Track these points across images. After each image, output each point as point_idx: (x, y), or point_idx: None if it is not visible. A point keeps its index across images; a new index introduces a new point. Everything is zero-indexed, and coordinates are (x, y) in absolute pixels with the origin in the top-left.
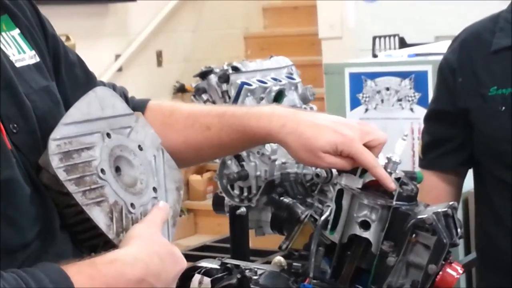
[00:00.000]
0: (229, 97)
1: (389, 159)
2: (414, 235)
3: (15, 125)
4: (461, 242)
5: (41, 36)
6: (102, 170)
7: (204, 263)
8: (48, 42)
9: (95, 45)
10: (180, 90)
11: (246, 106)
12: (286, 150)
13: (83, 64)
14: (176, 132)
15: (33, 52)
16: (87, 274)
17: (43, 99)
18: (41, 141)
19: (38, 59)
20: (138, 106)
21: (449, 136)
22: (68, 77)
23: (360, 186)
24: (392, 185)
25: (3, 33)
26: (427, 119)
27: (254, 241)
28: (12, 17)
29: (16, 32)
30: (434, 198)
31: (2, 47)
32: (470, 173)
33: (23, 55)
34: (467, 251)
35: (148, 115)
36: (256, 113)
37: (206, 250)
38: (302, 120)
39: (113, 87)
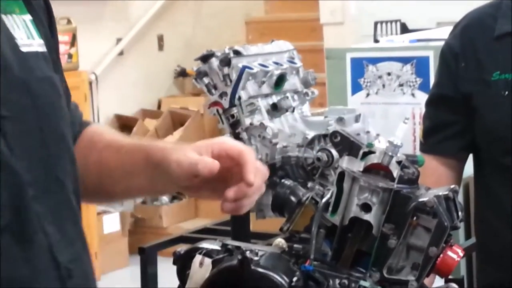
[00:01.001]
0: (230, 81)
1: (390, 142)
2: (415, 218)
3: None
4: (461, 226)
5: (50, 34)
6: None
7: (205, 244)
8: (55, 43)
9: (96, 29)
10: (181, 74)
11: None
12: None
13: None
14: (94, 150)
15: (42, 41)
16: None
17: (46, 89)
18: (37, 132)
19: (45, 50)
20: (82, 127)
21: (450, 121)
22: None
23: (361, 169)
24: (250, 176)
25: (14, 15)
26: (428, 104)
27: (255, 224)
28: (27, 3)
29: (28, 17)
30: (435, 182)
31: (10, 28)
32: (471, 158)
33: (31, 41)
34: (468, 236)
35: (84, 133)
36: (162, 143)
37: (206, 232)
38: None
39: (76, 107)
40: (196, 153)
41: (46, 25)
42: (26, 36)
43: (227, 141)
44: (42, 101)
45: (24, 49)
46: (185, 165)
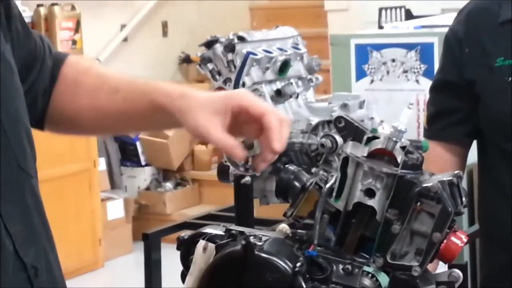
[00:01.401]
0: (235, 67)
1: (394, 127)
2: (419, 203)
3: None
4: (465, 213)
5: None
6: None
7: (209, 229)
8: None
9: (100, 15)
10: (185, 60)
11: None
12: (183, 116)
13: (22, 17)
14: (84, 92)
15: None
16: None
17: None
18: None
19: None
20: (57, 59)
21: (454, 107)
22: (16, 34)
23: (365, 154)
24: (276, 145)
25: None
26: (432, 89)
27: (259, 211)
28: None
29: None
30: (439, 168)
31: None
32: (475, 145)
33: None
34: (471, 222)
35: (64, 70)
36: (162, 84)
37: (210, 218)
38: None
39: (41, 38)
40: (216, 118)
41: None
42: None
43: (247, 97)
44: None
45: None
46: (206, 139)
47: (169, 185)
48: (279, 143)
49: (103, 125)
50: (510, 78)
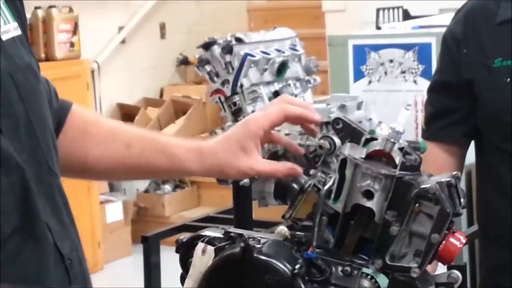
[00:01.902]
0: (232, 68)
1: (392, 128)
2: (417, 205)
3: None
4: (464, 214)
5: (20, 5)
6: None
7: (208, 232)
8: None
9: (98, 17)
10: (183, 62)
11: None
12: (219, 174)
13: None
14: (94, 143)
15: (16, 23)
16: None
17: (28, 78)
18: (27, 123)
19: (20, 32)
20: (62, 107)
21: (452, 108)
22: None
23: (363, 156)
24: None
25: None
26: (430, 90)
27: (257, 213)
28: None
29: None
30: (437, 169)
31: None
32: (472, 146)
33: (8, 26)
34: (470, 223)
35: (71, 117)
36: (177, 138)
37: (209, 221)
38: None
39: (47, 81)
40: (250, 152)
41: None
42: (3, 22)
43: (262, 119)
44: (27, 91)
45: (3, 37)
46: (262, 173)
47: (168, 187)
48: (315, 115)
49: (113, 174)
50: (508, 79)
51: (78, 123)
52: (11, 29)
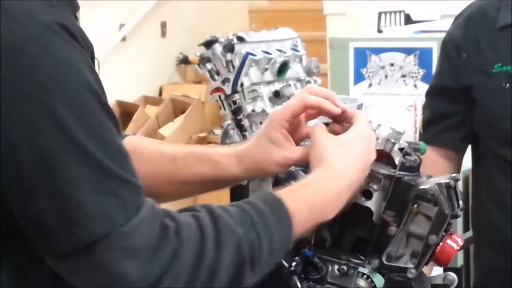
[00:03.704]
0: (233, 67)
1: (393, 129)
2: (415, 206)
3: None
4: (460, 219)
5: None
6: None
7: None
8: None
9: (99, 14)
10: (184, 61)
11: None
12: (258, 174)
13: None
14: (143, 160)
15: None
16: (291, 201)
17: None
18: None
19: None
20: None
21: (450, 112)
22: None
23: None
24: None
25: None
26: (429, 94)
27: None
28: None
29: None
30: (434, 173)
31: None
32: (469, 151)
33: None
34: (466, 229)
35: (123, 143)
36: (217, 147)
37: None
38: None
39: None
40: (282, 144)
41: None
42: None
43: (283, 111)
44: None
45: None
46: (297, 160)
47: None
48: (334, 107)
49: (162, 192)
50: (507, 84)
51: (131, 145)
52: None
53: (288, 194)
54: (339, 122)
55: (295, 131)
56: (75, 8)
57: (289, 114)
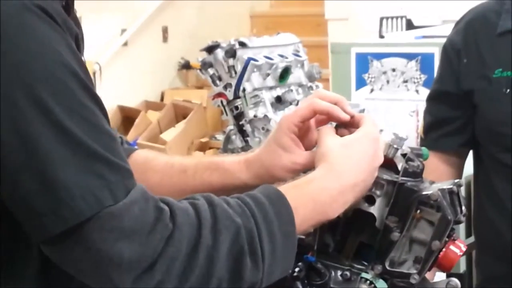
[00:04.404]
0: (235, 72)
1: (395, 134)
2: (418, 211)
3: None
4: (462, 225)
5: None
6: None
7: None
8: None
9: (101, 19)
10: (185, 66)
11: None
12: (268, 180)
13: None
14: (154, 172)
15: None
16: (293, 195)
17: None
18: None
19: None
20: (127, 149)
21: (451, 117)
22: None
23: None
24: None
25: None
26: (429, 99)
27: None
28: None
29: None
30: (435, 178)
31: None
32: (471, 157)
33: (84, 59)
34: (468, 234)
35: (134, 155)
36: (228, 156)
37: None
38: None
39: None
40: (289, 148)
41: None
42: None
43: (291, 116)
44: None
45: None
46: (306, 165)
47: None
48: (342, 114)
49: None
50: (508, 90)
51: (141, 157)
52: None
53: (290, 189)
54: (347, 127)
55: (305, 136)
56: None
57: (298, 119)
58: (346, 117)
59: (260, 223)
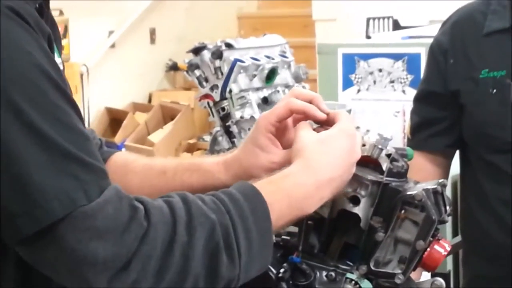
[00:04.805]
0: (222, 74)
1: (380, 135)
2: (403, 211)
3: None
4: (449, 224)
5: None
6: None
7: None
8: None
9: (88, 21)
10: (173, 68)
11: None
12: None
13: None
14: (134, 174)
15: (60, 59)
16: (268, 191)
17: None
18: None
19: (62, 67)
20: (107, 151)
21: (438, 118)
22: None
23: None
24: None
25: None
26: (416, 100)
27: None
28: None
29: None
30: (422, 178)
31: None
32: (458, 157)
33: (59, 60)
34: (455, 233)
35: (113, 157)
36: (208, 157)
37: None
38: None
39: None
40: (265, 147)
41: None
42: (57, 55)
43: (271, 114)
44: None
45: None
46: (282, 162)
47: None
48: (318, 113)
49: None
50: (494, 90)
51: (121, 159)
52: (59, 63)
53: (265, 185)
54: (323, 125)
55: (282, 135)
56: None
57: (275, 118)
58: (322, 116)
59: (236, 219)
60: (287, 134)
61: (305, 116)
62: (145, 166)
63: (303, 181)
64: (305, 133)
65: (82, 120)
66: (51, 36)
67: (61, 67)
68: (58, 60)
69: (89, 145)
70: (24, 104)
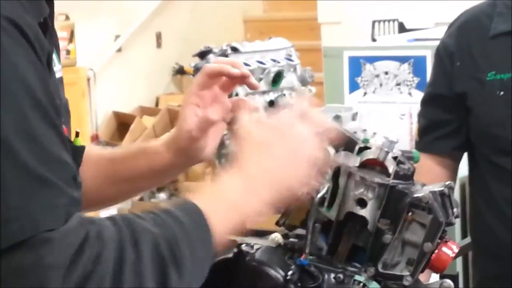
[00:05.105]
0: None
1: (386, 138)
2: (410, 213)
3: None
4: (457, 226)
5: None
6: None
7: None
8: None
9: (94, 25)
10: (179, 72)
11: None
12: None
13: None
14: (89, 164)
15: (60, 66)
16: (205, 201)
17: (68, 115)
18: None
19: (61, 74)
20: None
21: (445, 120)
22: None
23: (357, 164)
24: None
25: None
26: (423, 102)
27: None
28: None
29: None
30: (429, 181)
31: (55, 58)
32: (466, 158)
33: (59, 67)
34: (464, 235)
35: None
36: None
37: None
38: None
39: None
40: (186, 118)
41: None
42: (57, 61)
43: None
44: (69, 127)
45: (57, 75)
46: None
47: (162, 195)
48: (233, 70)
49: (109, 193)
50: (501, 92)
51: (85, 153)
52: (57, 71)
53: (201, 195)
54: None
55: (215, 103)
56: (41, 10)
57: (196, 87)
58: (236, 72)
59: (177, 232)
60: (221, 102)
61: (227, 77)
62: (97, 156)
63: (237, 185)
64: (246, 132)
65: (63, 139)
66: (51, 53)
67: (60, 74)
68: (58, 66)
69: (64, 170)
70: (2, 123)
